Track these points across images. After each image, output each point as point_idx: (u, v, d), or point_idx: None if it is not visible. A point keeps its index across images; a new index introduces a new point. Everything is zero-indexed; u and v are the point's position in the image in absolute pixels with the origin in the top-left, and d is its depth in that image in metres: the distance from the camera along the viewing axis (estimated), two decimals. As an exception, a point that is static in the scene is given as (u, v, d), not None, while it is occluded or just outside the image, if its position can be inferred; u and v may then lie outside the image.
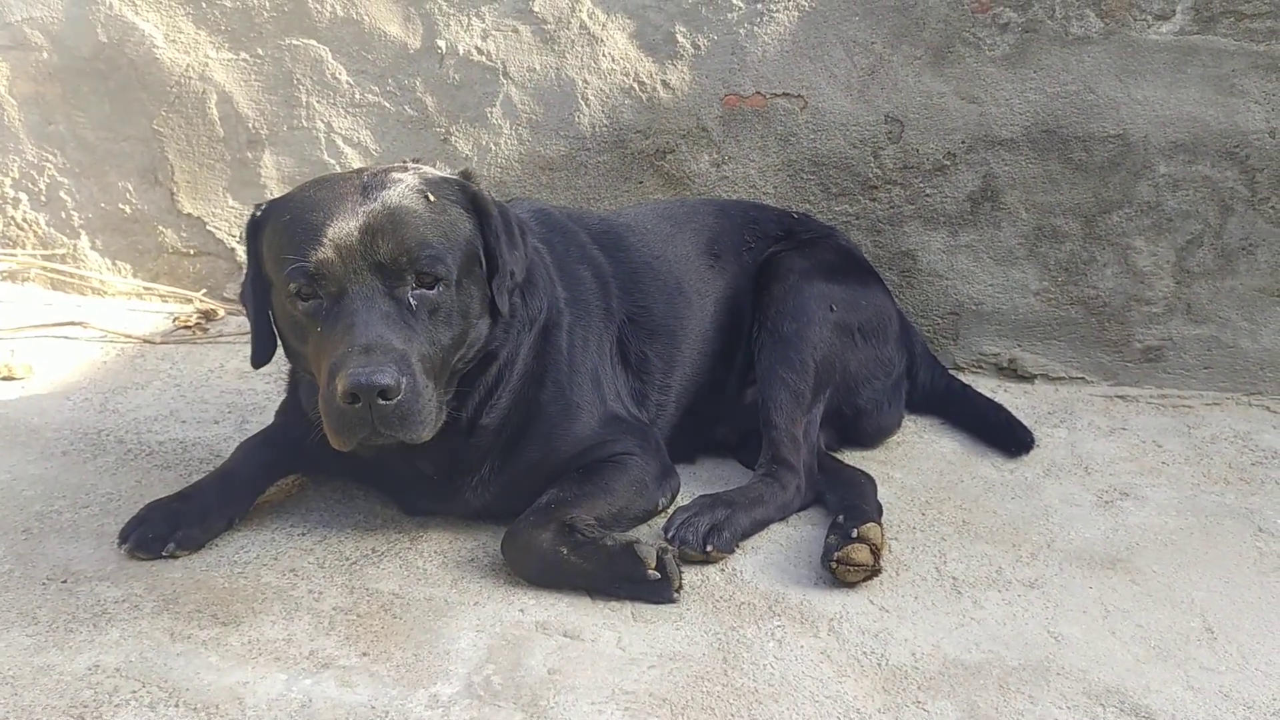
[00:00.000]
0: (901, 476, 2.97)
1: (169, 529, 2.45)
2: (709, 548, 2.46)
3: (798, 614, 2.32)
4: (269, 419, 3.17)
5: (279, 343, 2.48)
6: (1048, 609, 2.36)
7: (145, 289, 4.12)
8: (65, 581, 2.36)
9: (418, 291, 2.25)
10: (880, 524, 2.46)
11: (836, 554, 2.39)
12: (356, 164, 3.85)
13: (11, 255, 4.12)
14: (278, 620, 2.25)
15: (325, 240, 2.22)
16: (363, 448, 2.27)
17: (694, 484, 2.85)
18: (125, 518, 2.60)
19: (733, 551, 2.51)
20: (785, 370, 2.79)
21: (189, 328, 3.84)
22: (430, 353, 2.24)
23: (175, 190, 4.02)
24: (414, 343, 2.20)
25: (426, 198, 2.33)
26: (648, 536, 2.54)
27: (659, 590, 2.30)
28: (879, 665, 2.16)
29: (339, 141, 3.87)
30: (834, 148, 3.55)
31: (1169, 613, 2.37)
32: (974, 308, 3.61)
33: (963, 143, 3.48)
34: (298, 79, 3.83)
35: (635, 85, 3.62)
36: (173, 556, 2.45)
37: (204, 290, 4.06)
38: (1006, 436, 3.12)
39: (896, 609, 2.35)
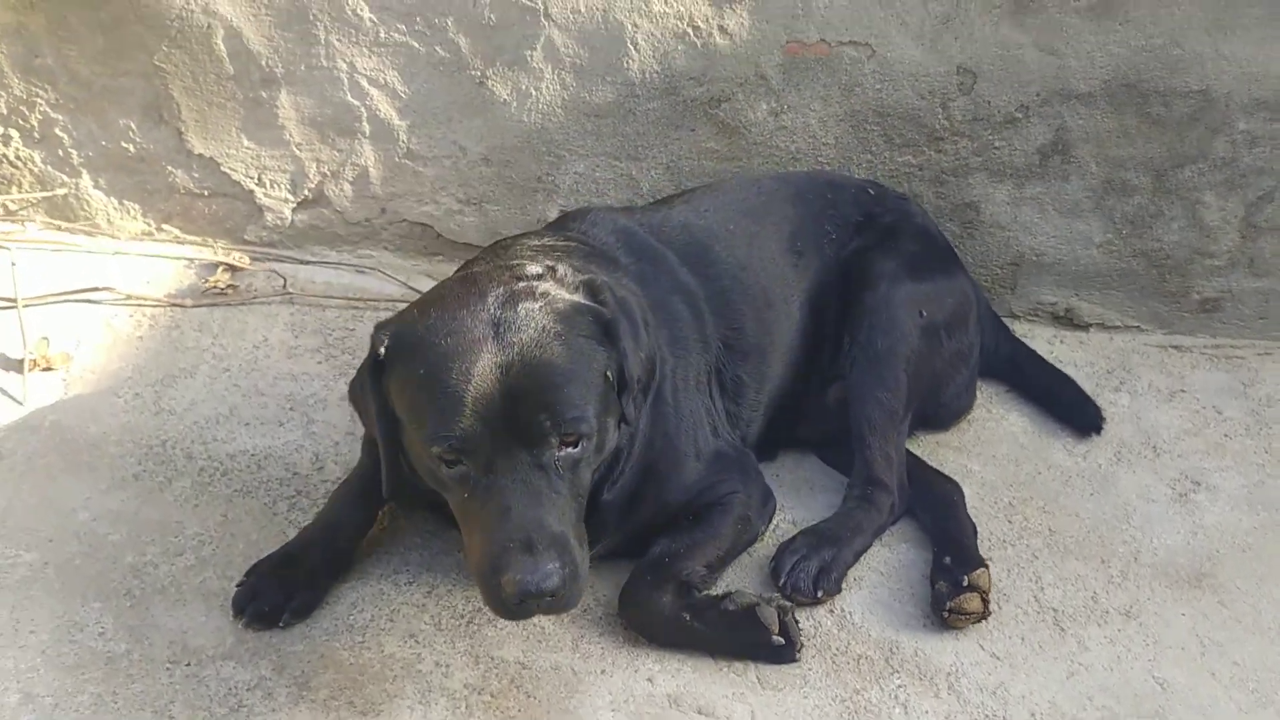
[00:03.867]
0: (980, 469, 3.01)
1: (284, 598, 2.43)
2: (819, 593, 2.51)
3: (915, 669, 2.40)
4: (332, 414, 3.13)
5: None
6: (1148, 647, 2.47)
7: (159, 229, 3.89)
8: (189, 665, 2.35)
9: (563, 453, 2.16)
10: (988, 567, 2.51)
11: (949, 604, 2.45)
12: (384, 109, 3.60)
13: (7, 194, 3.84)
14: (414, 705, 2.28)
15: (468, 411, 2.10)
16: None
17: (777, 487, 2.85)
18: (222, 566, 2.59)
19: (840, 591, 2.56)
20: (879, 389, 2.76)
21: (221, 290, 3.66)
22: (577, 506, 2.19)
23: (183, 130, 3.73)
24: (566, 513, 2.14)
25: (562, 340, 2.18)
26: (753, 577, 2.59)
27: (782, 654, 2.36)
28: (1002, 731, 2.26)
29: (363, 83, 3.58)
30: (901, 98, 3.37)
31: (1260, 645, 2.49)
32: (1034, 258, 3.55)
33: (1037, 95, 3.32)
34: (314, 15, 3.49)
35: (689, 30, 3.36)
36: (288, 625, 2.44)
37: (223, 239, 3.84)
38: (1077, 414, 3.15)
39: (1007, 655, 2.44)
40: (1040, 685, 2.37)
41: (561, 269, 2.34)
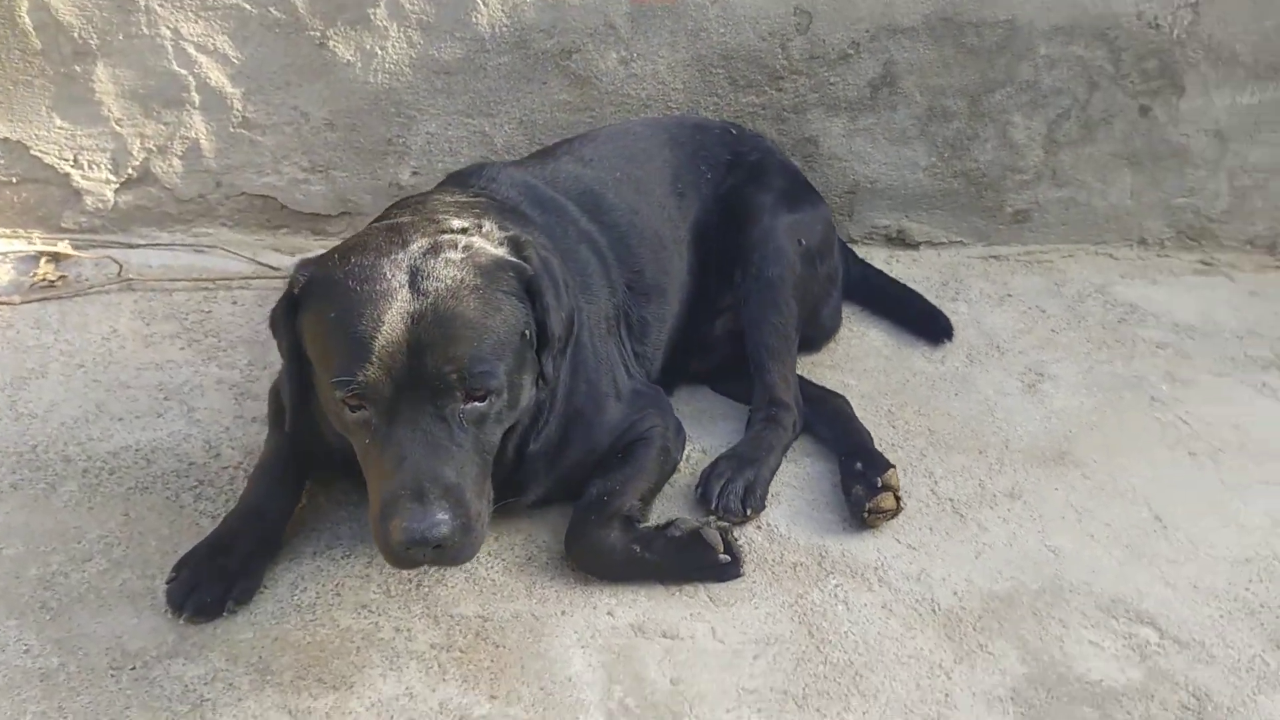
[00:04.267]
0: (855, 383, 3.23)
1: (224, 588, 2.34)
2: (748, 511, 2.66)
3: (846, 568, 2.58)
4: (211, 399, 3.02)
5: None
6: (1035, 521, 2.75)
7: (-41, 225, 3.56)
8: (134, 669, 2.23)
9: (468, 406, 2.15)
10: (895, 467, 2.72)
11: (868, 505, 2.64)
12: (215, 76, 3.44)
13: None
14: (386, 672, 2.26)
15: (374, 358, 2.07)
16: None
17: (681, 420, 2.97)
18: (139, 566, 2.47)
19: (765, 508, 2.72)
20: (773, 315, 2.92)
21: (50, 283, 3.40)
22: (481, 461, 2.18)
23: (-16, 113, 3.42)
24: (466, 467, 2.13)
25: (479, 294, 2.18)
26: (679, 506, 2.71)
27: (729, 571, 2.49)
28: (933, 611, 2.49)
29: (190, 50, 3.40)
30: (743, 41, 3.52)
31: (1122, 507, 2.82)
32: (869, 186, 3.81)
33: (867, 32, 3.55)
34: (131, -20, 3.28)
35: (537, -18, 3.38)
36: (231, 613, 2.35)
37: (37, 228, 3.57)
38: (929, 325, 3.43)
39: (921, 545, 2.66)
40: (955, 567, 2.61)
41: (487, 225, 2.35)
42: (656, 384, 2.91)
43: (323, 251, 2.37)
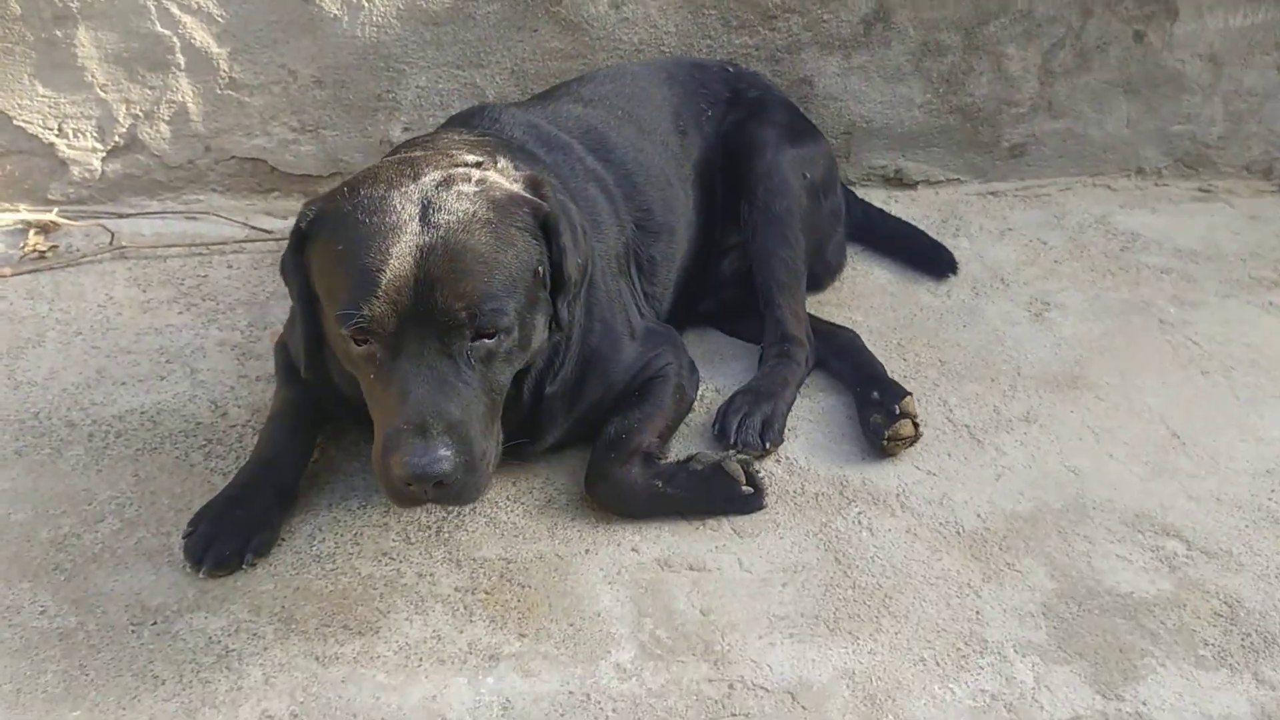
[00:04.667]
0: (864, 319, 3.21)
1: (242, 540, 2.30)
2: (767, 444, 2.63)
3: (867, 496, 2.57)
4: (214, 360, 2.98)
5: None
6: (1054, 443, 2.74)
7: (-57, 201, 3.49)
8: (155, 624, 2.19)
9: (476, 343, 2.10)
10: (911, 395, 2.70)
11: (887, 432, 2.62)
12: (199, 36, 3.37)
13: None
14: (411, 616, 2.23)
15: (380, 292, 2.02)
16: None
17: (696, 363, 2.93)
18: (154, 524, 2.43)
19: (783, 441, 2.69)
20: (782, 249, 2.89)
21: (41, 254, 3.33)
22: (489, 400, 2.14)
23: (-36, 83, 3.35)
24: (472, 404, 2.08)
25: (492, 228, 2.13)
26: (696, 443, 2.69)
27: (751, 502, 2.47)
28: (958, 534, 2.47)
29: (173, 9, 3.33)
30: (734, -21, 3.48)
31: (1140, 426, 2.81)
32: (865, 125, 3.77)
33: (858, -34, 3.51)
34: (110, -61, 3.20)
35: (524, -75, 3.32)
36: (251, 566, 2.32)
37: (23, 200, 3.50)
38: (933, 260, 3.41)
39: (941, 470, 2.65)
40: (976, 490, 2.59)
41: (503, 161, 2.30)
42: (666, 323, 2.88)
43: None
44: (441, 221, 2.09)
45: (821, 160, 3.10)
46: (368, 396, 2.17)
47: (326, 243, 2.13)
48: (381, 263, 2.05)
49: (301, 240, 2.19)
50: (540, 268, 2.23)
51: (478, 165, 2.25)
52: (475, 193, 2.16)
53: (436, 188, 2.14)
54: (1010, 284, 3.39)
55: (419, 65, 3.47)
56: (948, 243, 3.53)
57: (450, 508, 2.43)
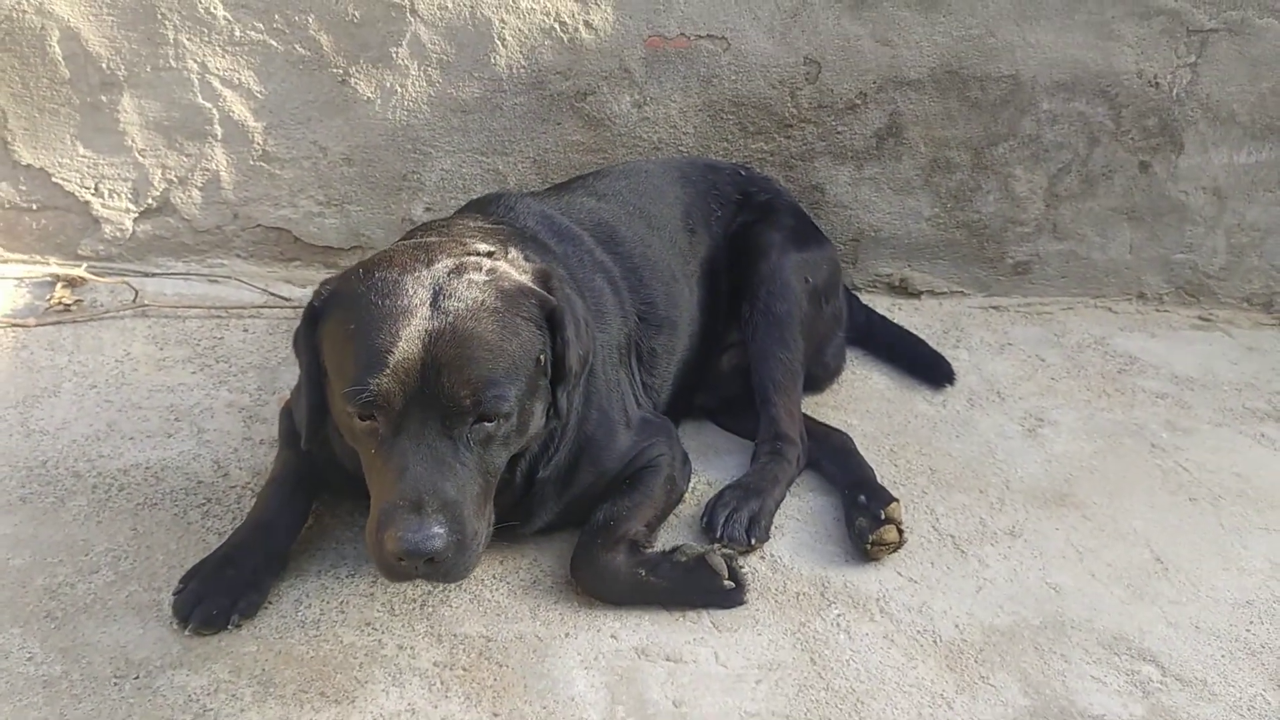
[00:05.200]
0: (858, 423, 3.26)
1: (229, 600, 2.35)
2: (752, 540, 2.67)
3: (848, 598, 2.60)
4: (221, 421, 3.04)
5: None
6: (1036, 559, 2.77)
7: (-23, 250, 3.62)
8: (138, 678, 2.23)
9: (476, 426, 2.17)
10: (898, 501, 2.74)
11: (871, 537, 2.66)
12: (238, 110, 3.51)
13: None
14: (389, 688, 2.26)
15: (388, 370, 2.10)
16: None
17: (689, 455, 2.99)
18: (146, 579, 2.48)
19: (769, 538, 2.73)
20: (780, 350, 2.96)
21: (65, 307, 3.44)
22: (484, 482, 2.20)
23: (9, 139, 3.50)
24: (468, 485, 2.15)
25: (499, 316, 2.20)
26: (684, 534, 2.73)
27: (732, 597, 2.50)
28: (935, 643, 2.49)
29: (215, 84, 3.48)
30: (754, 89, 3.61)
31: (1124, 548, 2.84)
32: (872, 234, 3.87)
33: (874, 83, 3.64)
34: (162, 14, 3.38)
35: (556, 25, 3.48)
36: (236, 626, 2.36)
37: (54, 254, 3.62)
38: (931, 369, 3.47)
39: (923, 578, 2.68)
40: (956, 601, 2.62)
41: (514, 252, 2.40)
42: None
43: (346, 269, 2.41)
44: (451, 308, 2.18)
45: (825, 265, 3.19)
46: (367, 471, 2.23)
47: (339, 321, 2.22)
48: (391, 343, 2.13)
49: (315, 317, 2.28)
50: (542, 356, 2.30)
51: (489, 255, 2.34)
52: (485, 282, 2.25)
53: (448, 275, 2.23)
54: (1006, 398, 3.45)
55: (445, 149, 3.60)
56: (947, 353, 3.59)
57: (437, 584, 2.47)
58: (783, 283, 3.01)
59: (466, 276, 2.24)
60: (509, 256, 2.38)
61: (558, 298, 2.33)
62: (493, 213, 2.75)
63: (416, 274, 2.22)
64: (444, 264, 2.26)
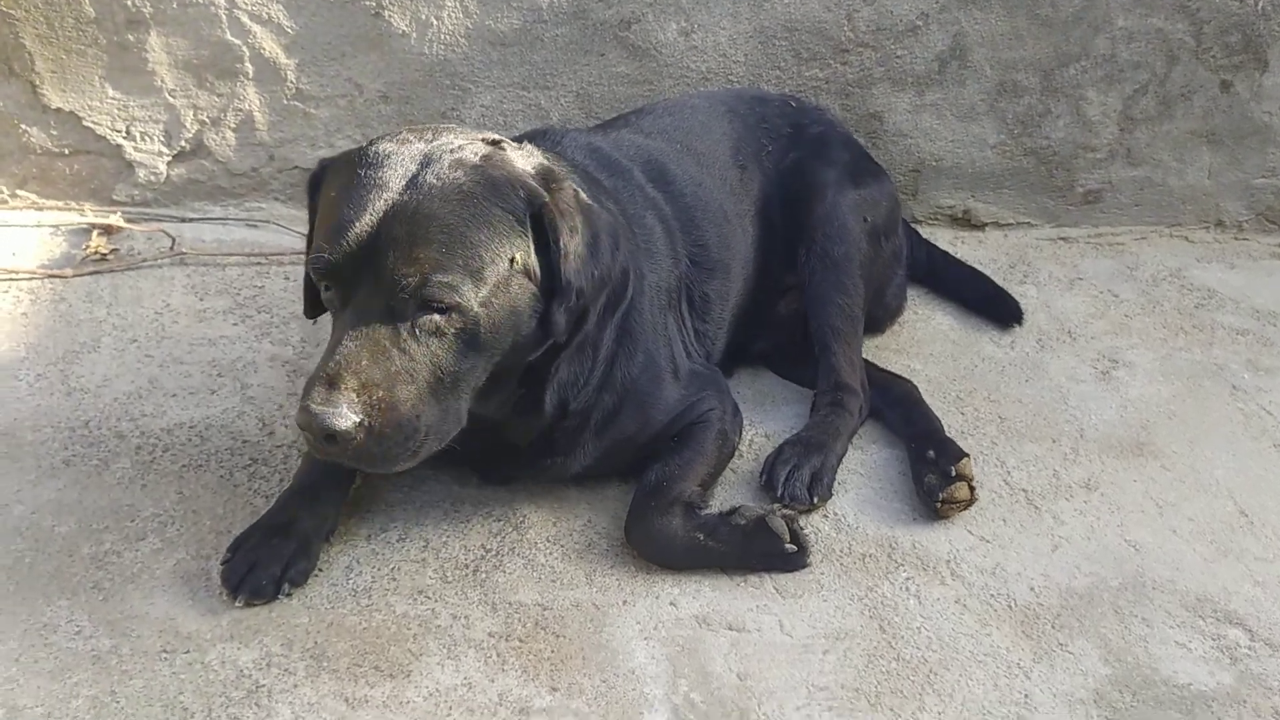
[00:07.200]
0: (922, 368, 3.12)
1: (280, 569, 2.29)
2: (815, 499, 2.57)
3: (917, 560, 2.49)
4: (265, 375, 2.98)
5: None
6: (1114, 514, 2.64)
7: (13, 195, 3.53)
8: (188, 652, 2.18)
9: (423, 316, 2.05)
10: (969, 456, 2.62)
11: (941, 495, 2.54)
12: (269, 46, 3.36)
13: None
14: (444, 661, 2.20)
15: (344, 241, 2.04)
16: None
17: (741, 403, 2.83)
18: (194, 546, 2.42)
19: (832, 496, 2.62)
20: (839, 295, 2.82)
21: (102, 256, 3.36)
22: (434, 379, 2.08)
23: (37, 82, 3.38)
24: (403, 375, 2.04)
25: (471, 202, 2.07)
26: (741, 493, 2.63)
27: (795, 560, 2.40)
28: (1009, 608, 2.39)
29: (244, 19, 3.33)
30: (808, 11, 3.41)
31: (1206, 501, 2.70)
32: (934, 164, 3.68)
33: (937, 2, 3.42)
34: (186, -53, 3.21)
35: (597, -51, 3.28)
36: (286, 596, 2.30)
37: (89, 200, 3.53)
38: (998, 308, 3.31)
39: (995, 537, 2.56)
40: (1031, 561, 2.50)
41: (541, 157, 2.28)
42: (717, 365, 2.82)
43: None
44: (424, 185, 2.07)
45: (884, 202, 3.02)
46: None
47: (328, 187, 2.16)
48: (356, 215, 2.05)
49: (315, 182, 2.24)
50: (519, 256, 2.14)
51: (495, 144, 2.21)
52: (474, 165, 2.12)
53: (441, 153, 2.12)
54: (1077, 338, 3.29)
55: (484, 85, 3.44)
56: (1014, 289, 3.43)
57: (358, 466, 2.23)
58: (840, 224, 2.85)
59: (458, 156, 2.12)
60: (524, 151, 2.26)
61: (558, 198, 2.17)
62: (541, 145, 2.59)
63: (410, 149, 2.13)
64: (443, 142, 2.15)
